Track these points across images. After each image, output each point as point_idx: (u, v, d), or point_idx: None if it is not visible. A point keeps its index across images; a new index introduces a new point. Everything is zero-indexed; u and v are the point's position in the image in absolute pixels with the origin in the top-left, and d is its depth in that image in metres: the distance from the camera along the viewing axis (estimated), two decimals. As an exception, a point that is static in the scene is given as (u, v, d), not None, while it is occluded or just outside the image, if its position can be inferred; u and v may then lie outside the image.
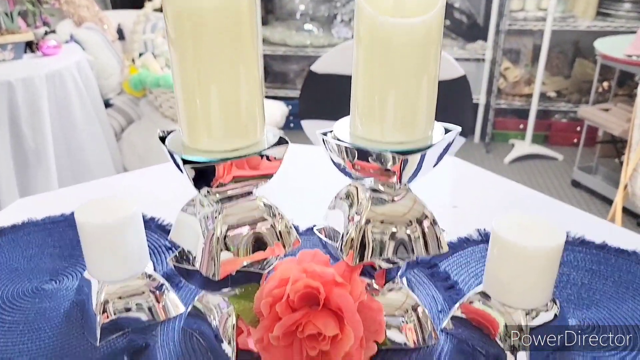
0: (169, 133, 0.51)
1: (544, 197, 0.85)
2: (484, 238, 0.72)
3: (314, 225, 0.78)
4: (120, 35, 2.70)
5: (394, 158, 0.45)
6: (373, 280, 0.54)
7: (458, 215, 0.80)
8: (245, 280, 0.52)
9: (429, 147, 0.46)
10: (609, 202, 2.44)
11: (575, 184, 2.61)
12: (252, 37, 0.44)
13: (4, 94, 1.71)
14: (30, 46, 1.98)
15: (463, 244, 0.71)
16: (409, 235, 0.50)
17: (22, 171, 1.83)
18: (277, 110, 2.46)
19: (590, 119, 2.35)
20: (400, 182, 0.47)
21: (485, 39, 3.03)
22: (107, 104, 2.35)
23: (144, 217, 0.80)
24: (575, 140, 3.05)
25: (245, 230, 0.50)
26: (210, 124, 0.45)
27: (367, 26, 0.45)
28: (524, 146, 2.96)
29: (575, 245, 0.70)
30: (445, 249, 0.51)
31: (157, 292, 0.60)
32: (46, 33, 2.02)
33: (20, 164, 1.82)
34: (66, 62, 1.96)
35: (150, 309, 0.59)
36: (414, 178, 0.48)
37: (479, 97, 3.11)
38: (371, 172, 0.48)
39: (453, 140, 0.50)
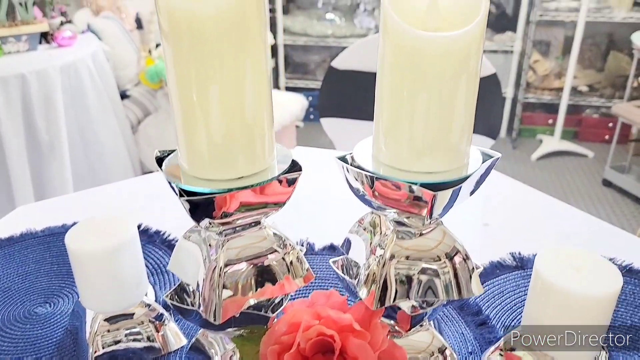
0: (168, 153, 0.45)
1: (583, 214, 0.78)
2: (519, 263, 0.65)
3: (331, 244, 0.72)
4: (139, 24, 2.65)
5: (423, 192, 0.39)
6: (395, 322, 0.48)
7: (489, 234, 0.73)
8: (251, 321, 0.46)
9: (464, 179, 0.40)
10: (642, 203, 2.33)
11: (607, 183, 2.50)
12: (260, 50, 0.38)
13: (17, 87, 1.68)
14: (45, 37, 1.94)
15: (495, 270, 0.64)
16: (438, 274, 0.43)
17: (35, 163, 1.80)
18: (297, 104, 2.40)
19: (625, 116, 2.23)
20: (430, 217, 0.40)
21: (514, 29, 2.92)
22: (124, 95, 2.31)
23: (148, 230, 0.75)
24: (606, 137, 2.93)
25: (250, 265, 0.44)
26: (212, 149, 0.39)
27: (394, 38, 0.38)
28: (552, 142, 2.85)
29: (622, 275, 0.63)
30: (479, 290, 0.45)
31: (157, 322, 0.55)
32: (62, 23, 1.97)
33: (34, 155, 1.79)
34: (81, 54, 1.91)
35: (149, 339, 0.54)
36: (446, 212, 0.42)
37: (507, 90, 3.00)
38: (396, 203, 0.42)
39: (492, 168, 0.43)
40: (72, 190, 1.87)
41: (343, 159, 0.44)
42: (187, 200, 0.39)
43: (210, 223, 0.42)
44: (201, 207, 0.40)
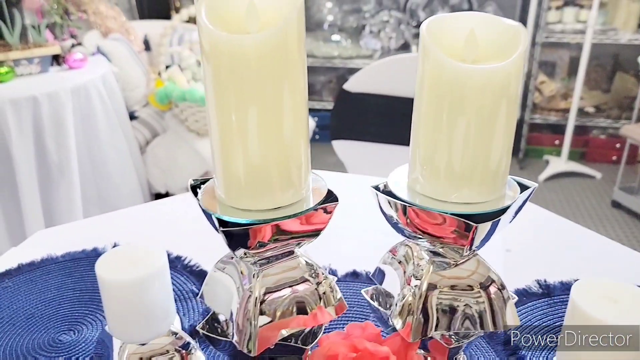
0: (202, 183, 0.45)
1: (604, 240, 0.77)
2: (545, 291, 0.64)
3: (354, 270, 0.72)
4: (147, 46, 2.68)
5: (464, 223, 0.38)
6: (427, 352, 0.47)
7: (513, 260, 0.73)
8: (284, 352, 0.46)
9: (504, 210, 0.39)
10: (652, 225, 2.32)
11: (616, 204, 2.49)
12: (300, 76, 0.38)
13: (29, 109, 1.69)
14: (56, 59, 1.96)
15: (522, 297, 0.64)
16: (475, 305, 0.43)
17: (45, 184, 1.80)
18: (305, 124, 2.40)
19: (633, 137, 2.24)
20: (470, 248, 0.40)
21: (519, 51, 2.93)
22: (132, 117, 2.32)
23: (169, 255, 0.74)
24: (614, 158, 2.93)
25: (284, 295, 0.43)
26: (249, 174, 0.39)
27: (434, 70, 0.38)
28: (559, 163, 2.85)
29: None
30: (515, 321, 0.44)
31: (183, 351, 0.54)
32: (73, 46, 1.99)
33: (44, 177, 1.79)
34: (92, 76, 1.93)
35: (175, 369, 0.53)
36: (484, 243, 0.41)
37: (512, 111, 3.00)
38: (433, 234, 0.41)
39: (529, 198, 0.43)
40: (81, 210, 1.87)
41: (377, 187, 0.44)
42: (225, 231, 0.39)
43: (245, 253, 0.42)
44: (238, 237, 0.40)
